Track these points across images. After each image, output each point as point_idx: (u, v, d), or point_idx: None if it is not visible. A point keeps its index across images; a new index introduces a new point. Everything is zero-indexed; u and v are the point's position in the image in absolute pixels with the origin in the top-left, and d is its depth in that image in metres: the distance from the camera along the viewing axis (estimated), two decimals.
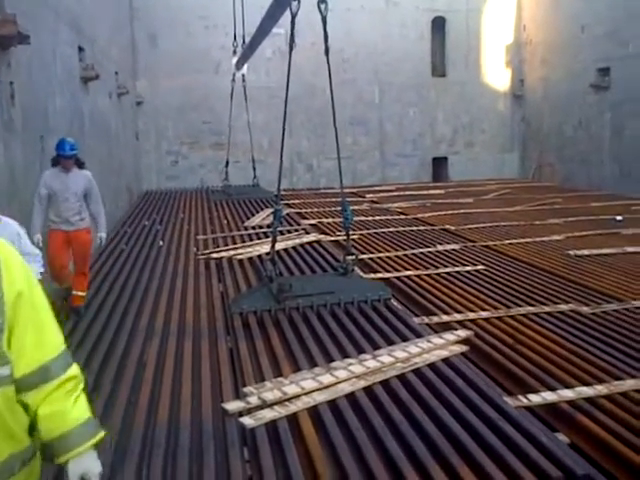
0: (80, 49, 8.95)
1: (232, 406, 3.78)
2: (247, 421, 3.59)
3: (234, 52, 13.77)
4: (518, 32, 19.38)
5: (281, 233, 9.53)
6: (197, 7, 16.78)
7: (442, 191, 15.90)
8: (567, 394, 4.17)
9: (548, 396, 4.15)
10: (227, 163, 14.86)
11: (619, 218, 11.14)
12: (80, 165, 5.96)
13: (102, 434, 1.82)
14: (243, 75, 14.10)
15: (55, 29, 7.50)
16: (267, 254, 6.49)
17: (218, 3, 16.33)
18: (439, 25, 18.85)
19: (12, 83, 5.54)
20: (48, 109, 6.96)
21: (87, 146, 9.20)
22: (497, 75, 19.47)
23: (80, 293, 5.90)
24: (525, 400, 4.08)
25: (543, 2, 18.27)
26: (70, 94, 8.22)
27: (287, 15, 6.03)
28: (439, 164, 19.36)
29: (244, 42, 12.73)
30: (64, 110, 7.74)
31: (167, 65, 16.64)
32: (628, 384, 4.32)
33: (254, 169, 14.60)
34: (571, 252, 8.52)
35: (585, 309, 6.04)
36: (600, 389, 4.23)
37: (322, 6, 5.92)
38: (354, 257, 6.55)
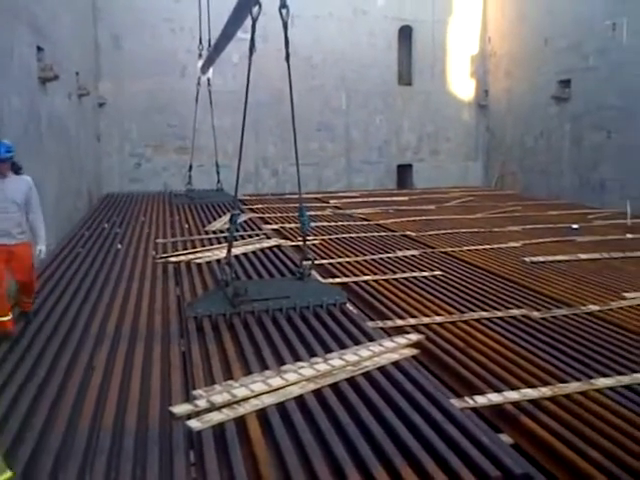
0: (39, 49, 8.86)
1: (180, 409, 3.77)
2: (194, 424, 3.58)
3: (200, 56, 13.74)
4: (483, 43, 19.68)
5: (242, 237, 9.54)
6: (163, 9, 16.69)
7: (406, 198, 16.04)
8: (512, 396, 4.26)
9: (494, 398, 4.23)
10: (191, 167, 14.78)
11: (575, 226, 11.37)
12: (17, 170, 5.35)
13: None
14: (208, 79, 14.08)
15: (12, 29, 7.42)
16: (224, 258, 6.48)
17: (184, 6, 16.27)
18: (406, 34, 19.04)
19: None
20: (3, 109, 6.88)
21: (45, 147, 9.12)
22: (462, 85, 19.72)
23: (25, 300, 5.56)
24: (471, 402, 4.16)
25: (508, 15, 18.56)
26: (27, 94, 8.13)
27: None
28: (404, 171, 19.53)
29: (210, 46, 12.71)
30: (20, 111, 7.66)
31: (131, 67, 16.51)
32: (572, 387, 4.42)
33: (218, 173, 14.56)
34: (527, 259, 8.67)
35: (536, 314, 6.16)
36: (544, 391, 4.32)
37: (283, 11, 5.91)
38: (311, 262, 6.58)
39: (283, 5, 5.85)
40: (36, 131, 8.55)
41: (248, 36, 5.99)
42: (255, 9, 5.76)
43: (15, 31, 7.57)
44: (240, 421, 3.69)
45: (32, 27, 8.51)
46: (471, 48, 19.65)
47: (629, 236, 10.29)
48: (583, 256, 8.89)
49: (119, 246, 9.09)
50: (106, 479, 3.12)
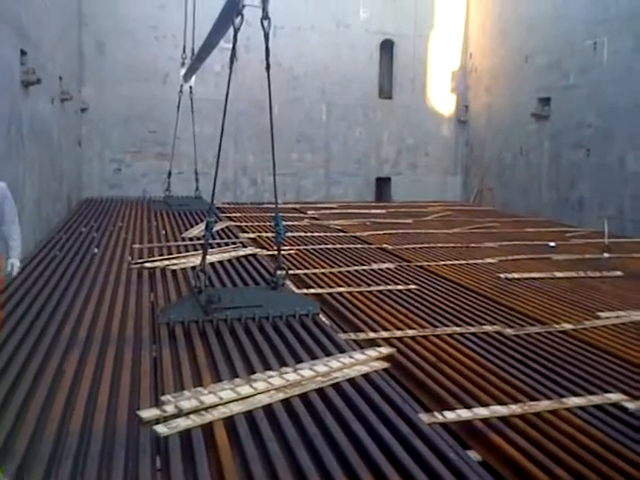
0: (22, 52, 8.82)
1: (147, 414, 3.75)
2: (161, 429, 3.57)
3: (182, 64, 13.77)
4: (464, 59, 19.87)
5: (218, 245, 9.53)
6: (147, 17, 16.72)
7: (384, 211, 16.10)
8: (482, 412, 4.26)
9: (463, 413, 4.23)
10: (169, 174, 14.78)
11: (552, 244, 11.47)
12: None
13: None
14: (190, 87, 14.09)
15: None
16: (199, 265, 6.47)
17: (168, 14, 16.35)
18: (387, 48, 19.20)
19: None
20: None
21: (26, 151, 9.06)
22: (442, 100, 19.89)
23: None
24: (440, 417, 4.16)
25: (489, 31, 18.78)
26: (9, 97, 8.09)
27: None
28: (383, 184, 19.63)
29: (193, 54, 12.74)
30: (1, 113, 7.61)
31: (114, 73, 16.49)
32: (542, 405, 4.43)
33: (197, 181, 14.56)
34: (502, 275, 8.73)
35: (509, 331, 6.19)
36: (514, 408, 4.33)
37: (265, 22, 5.99)
38: (285, 271, 6.58)
39: (265, 17, 5.92)
40: (18, 134, 8.50)
41: (230, 45, 6.05)
42: (237, 20, 5.82)
43: None
44: (207, 428, 3.68)
45: (16, 30, 8.47)
46: (452, 63, 19.85)
47: (606, 255, 10.40)
48: (559, 274, 8.97)
49: (95, 250, 9.04)
50: None
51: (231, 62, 6.03)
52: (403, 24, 18.92)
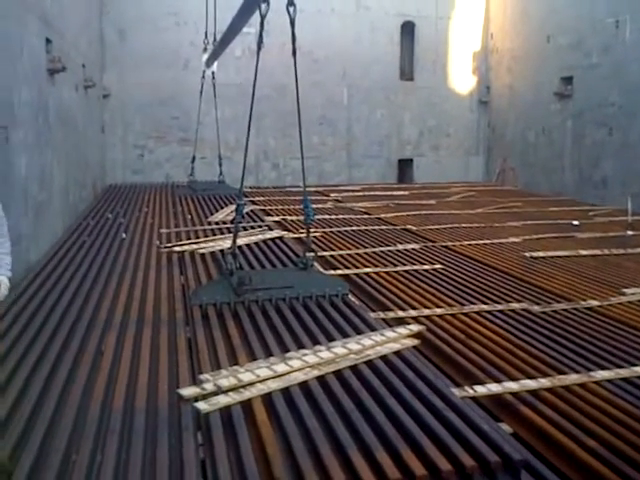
0: (48, 41, 8.94)
1: (187, 392, 3.87)
2: (202, 406, 3.68)
3: (204, 50, 13.83)
4: (486, 40, 19.72)
5: (244, 229, 9.63)
6: (167, 4, 16.78)
7: (406, 192, 16.12)
8: (511, 386, 4.35)
9: (493, 387, 4.32)
10: (194, 159, 14.87)
11: (576, 223, 11.45)
12: None
13: None
14: (213, 72, 14.14)
15: (23, 21, 7.50)
16: (229, 248, 6.58)
17: (189, 0, 16.38)
18: (408, 30, 19.09)
19: None
20: (13, 100, 6.97)
21: (53, 138, 9.21)
22: (464, 81, 19.78)
23: None
24: (471, 391, 4.25)
25: (511, 11, 18.62)
26: (36, 86, 8.22)
27: (257, 15, 6.12)
28: (405, 166, 19.61)
29: (215, 40, 12.79)
30: (30, 101, 7.74)
31: (135, 59, 16.60)
32: (571, 378, 4.51)
33: (220, 165, 14.63)
34: (527, 254, 8.76)
35: (536, 308, 6.25)
36: (543, 382, 4.42)
37: (290, 9, 6.03)
38: (314, 253, 6.67)
39: (291, 3, 5.96)
40: (45, 122, 8.64)
41: (252, 30, 6.11)
42: (264, 6, 5.85)
43: (26, 22, 7.65)
44: (246, 404, 3.78)
45: (42, 19, 8.59)
46: (473, 44, 19.71)
47: (630, 233, 10.37)
48: (584, 252, 8.99)
49: (123, 235, 9.19)
50: (118, 458, 3.21)
51: (258, 48, 6.07)
52: (424, 6, 18.79)
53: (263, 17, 5.93)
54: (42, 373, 4.20)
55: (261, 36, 6.01)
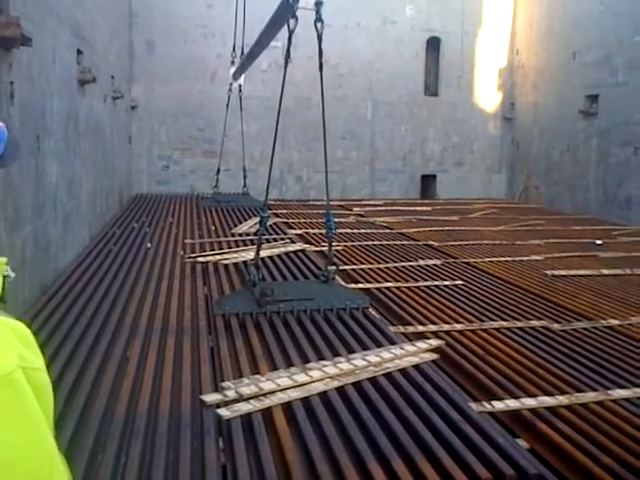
0: (79, 52, 9.14)
1: (210, 398, 3.97)
2: (223, 412, 3.78)
3: (232, 62, 14.01)
4: (511, 56, 19.74)
5: (267, 241, 9.73)
6: (195, 16, 17.03)
7: (429, 208, 16.15)
8: (529, 402, 4.39)
9: (511, 403, 4.37)
10: (218, 171, 15.04)
11: (599, 242, 11.41)
12: None
13: None
14: (240, 85, 14.32)
15: (56, 32, 7.69)
16: (252, 260, 6.68)
17: (217, 13, 16.67)
18: (434, 45, 19.19)
19: (12, 83, 5.72)
20: (45, 110, 7.14)
21: (82, 147, 9.40)
22: (488, 97, 19.80)
23: None
24: (489, 406, 4.30)
25: (536, 28, 18.65)
26: (67, 96, 8.40)
27: (284, 29, 6.24)
28: (428, 181, 19.64)
29: (242, 53, 12.97)
30: (61, 111, 7.93)
31: (163, 71, 16.86)
32: (589, 396, 4.54)
33: (245, 178, 14.77)
34: (548, 272, 8.77)
35: (556, 326, 6.27)
36: (561, 399, 4.45)
37: (318, 24, 6.11)
38: (335, 266, 6.75)
39: (319, 19, 6.04)
40: (74, 131, 8.82)
41: (278, 44, 6.23)
42: (292, 21, 5.95)
43: (58, 35, 7.84)
44: (267, 412, 3.87)
45: (73, 30, 8.80)
46: (499, 60, 19.74)
47: None
48: (606, 271, 8.97)
49: (149, 245, 9.33)
50: (142, 460, 3.31)
51: (285, 63, 6.19)
52: (450, 21, 18.88)
53: (291, 32, 6.04)
54: (70, 376, 4.32)
55: (289, 51, 6.13)
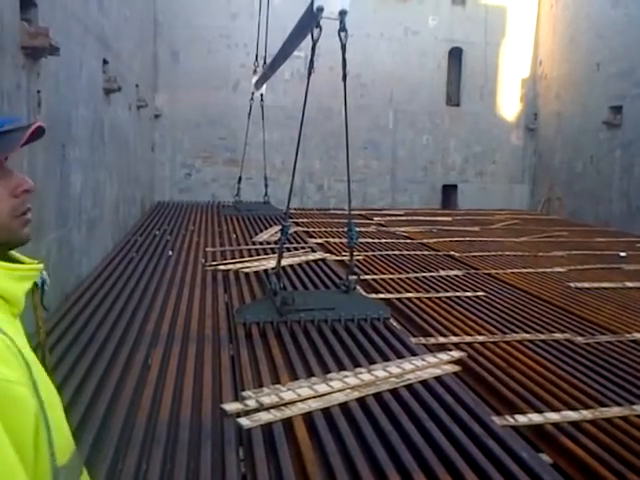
0: (104, 61, 9.24)
1: (231, 407, 3.96)
2: (244, 422, 3.77)
3: (254, 72, 14.09)
4: (534, 67, 19.67)
5: (288, 250, 9.73)
6: (219, 27, 17.18)
7: (450, 218, 16.08)
8: (553, 416, 4.33)
9: (534, 417, 4.31)
10: (240, 179, 15.10)
11: (623, 254, 11.29)
12: None
13: None
14: (262, 95, 14.39)
15: (83, 42, 7.78)
16: (273, 268, 6.69)
17: (240, 24, 16.79)
18: (456, 55, 19.17)
19: (39, 92, 5.79)
20: (71, 118, 7.22)
21: (107, 156, 9.48)
22: (511, 107, 19.73)
23: None
24: (512, 420, 4.25)
25: (560, 38, 18.56)
26: (93, 105, 8.49)
27: (307, 39, 6.25)
28: (449, 191, 19.58)
29: (265, 62, 13.04)
30: (86, 120, 8.01)
31: (186, 80, 17.00)
32: (613, 411, 4.47)
33: (266, 186, 14.80)
34: (572, 284, 8.68)
35: (579, 339, 6.20)
36: (585, 414, 4.39)
37: (342, 34, 6.10)
38: (356, 276, 6.73)
39: (342, 29, 6.03)
40: (100, 140, 8.91)
41: (301, 54, 6.25)
42: (316, 31, 5.95)
43: (85, 44, 7.93)
44: (287, 422, 3.86)
45: (100, 40, 8.90)
46: (522, 71, 19.67)
47: None
48: (630, 284, 8.87)
49: (170, 253, 9.38)
50: (163, 468, 3.31)
51: (309, 74, 6.20)
52: (473, 32, 18.86)
53: (315, 42, 6.03)
54: (92, 383, 4.34)
55: (312, 61, 6.14)
